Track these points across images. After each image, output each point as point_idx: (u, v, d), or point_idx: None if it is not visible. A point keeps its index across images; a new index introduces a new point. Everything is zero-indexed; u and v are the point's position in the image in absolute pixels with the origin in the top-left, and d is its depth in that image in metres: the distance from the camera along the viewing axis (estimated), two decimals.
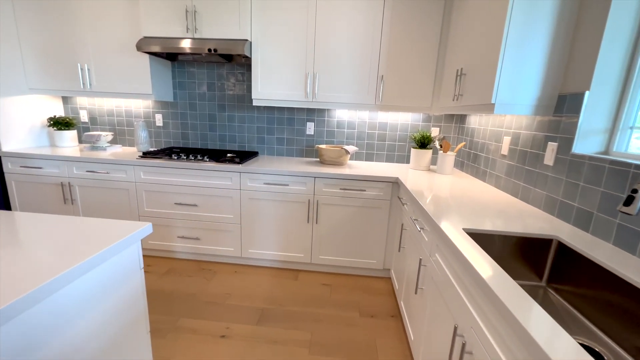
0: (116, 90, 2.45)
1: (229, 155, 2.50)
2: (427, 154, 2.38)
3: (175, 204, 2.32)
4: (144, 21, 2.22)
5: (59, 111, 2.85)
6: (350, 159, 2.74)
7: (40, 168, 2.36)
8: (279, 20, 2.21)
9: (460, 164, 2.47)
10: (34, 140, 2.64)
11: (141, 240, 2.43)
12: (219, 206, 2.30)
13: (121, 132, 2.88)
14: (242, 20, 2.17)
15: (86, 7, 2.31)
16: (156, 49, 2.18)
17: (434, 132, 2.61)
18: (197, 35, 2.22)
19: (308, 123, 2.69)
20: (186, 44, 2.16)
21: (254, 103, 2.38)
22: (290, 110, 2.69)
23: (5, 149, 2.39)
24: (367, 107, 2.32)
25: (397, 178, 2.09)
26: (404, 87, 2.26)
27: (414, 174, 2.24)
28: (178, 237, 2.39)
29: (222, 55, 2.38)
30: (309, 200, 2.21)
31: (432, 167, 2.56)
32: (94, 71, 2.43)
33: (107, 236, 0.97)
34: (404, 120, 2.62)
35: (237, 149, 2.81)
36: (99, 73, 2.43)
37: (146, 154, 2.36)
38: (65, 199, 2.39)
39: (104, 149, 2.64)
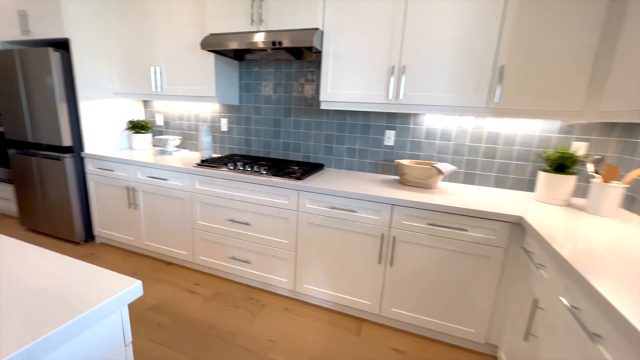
0: (182, 93, 2.33)
1: (290, 167, 2.13)
2: (568, 181, 1.58)
3: (227, 220, 2.05)
4: (209, 16, 2.02)
5: (141, 115, 2.93)
6: (442, 180, 2.08)
7: (111, 171, 2.38)
8: (358, 0, 1.74)
9: (629, 201, 1.59)
10: (117, 143, 2.73)
11: (193, 255, 2.24)
12: (273, 228, 1.94)
13: (189, 137, 2.81)
14: (312, 4, 1.77)
15: (159, 7, 2.24)
16: (216, 46, 1.94)
17: (580, 148, 1.76)
18: (262, 28, 1.91)
19: (387, 131, 2.14)
20: (248, 39, 1.87)
21: (322, 106, 1.95)
22: (366, 115, 2.18)
23: (89, 150, 2.49)
24: (473, 112, 1.66)
25: (521, 218, 1.39)
26: (535, 82, 1.53)
27: (546, 210, 1.48)
28: (228, 257, 2.12)
29: (290, 51, 2.03)
30: (382, 235, 1.67)
31: (573, 200, 1.73)
32: (165, 73, 2.36)
33: (73, 300, 0.63)
34: (528, 130, 1.85)
35: (301, 160, 2.44)
36: (169, 75, 2.35)
37: (204, 162, 2.15)
38: (129, 203, 2.36)
39: (171, 153, 2.57)
